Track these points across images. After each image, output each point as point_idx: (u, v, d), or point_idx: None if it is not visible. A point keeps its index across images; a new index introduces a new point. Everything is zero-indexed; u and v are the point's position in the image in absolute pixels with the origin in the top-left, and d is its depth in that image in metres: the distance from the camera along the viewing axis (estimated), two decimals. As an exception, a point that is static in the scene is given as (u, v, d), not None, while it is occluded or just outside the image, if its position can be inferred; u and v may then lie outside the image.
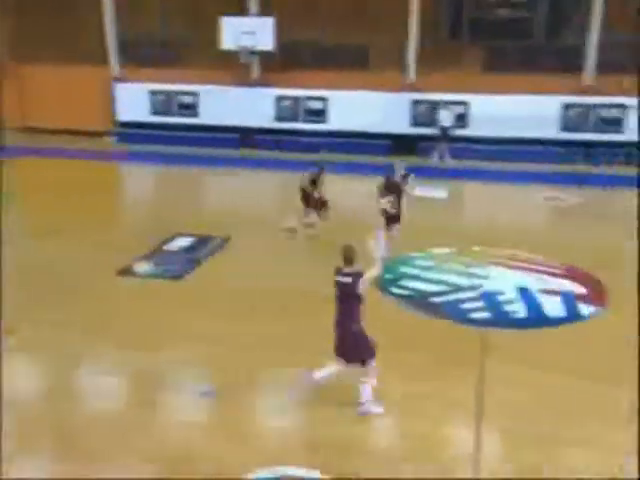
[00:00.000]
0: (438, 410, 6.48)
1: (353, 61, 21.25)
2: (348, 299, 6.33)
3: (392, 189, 10.54)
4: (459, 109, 19.92)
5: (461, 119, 19.88)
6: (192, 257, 10.82)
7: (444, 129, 19.45)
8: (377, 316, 8.58)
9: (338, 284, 6.40)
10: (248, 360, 7.39)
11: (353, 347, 6.38)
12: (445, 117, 19.53)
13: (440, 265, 10.46)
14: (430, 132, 19.93)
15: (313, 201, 12.03)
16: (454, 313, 8.75)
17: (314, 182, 12.02)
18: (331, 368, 6.52)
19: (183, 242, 11.50)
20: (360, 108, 20.21)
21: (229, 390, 6.79)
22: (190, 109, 21.93)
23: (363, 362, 6.39)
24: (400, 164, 10.82)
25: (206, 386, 6.84)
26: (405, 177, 10.72)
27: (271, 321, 8.41)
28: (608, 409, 6.50)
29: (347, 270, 6.33)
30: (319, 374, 6.53)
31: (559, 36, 20.81)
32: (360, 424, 6.39)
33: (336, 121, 20.76)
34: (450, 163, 19.24)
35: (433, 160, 19.46)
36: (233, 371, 7.15)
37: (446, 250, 11.14)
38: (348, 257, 6.33)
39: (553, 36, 20.93)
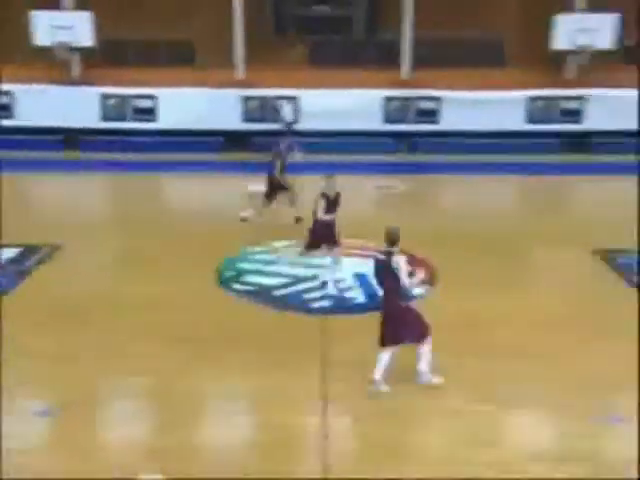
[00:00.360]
0: (286, 400, 6.59)
1: (181, 57, 20.84)
2: (386, 277, 6.61)
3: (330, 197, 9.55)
4: (280, 103, 20.27)
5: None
6: (19, 269, 10.12)
7: (289, 124, 19.72)
8: (218, 313, 8.63)
9: (375, 262, 6.77)
10: (83, 371, 7.09)
11: (402, 324, 6.59)
12: (288, 112, 19.83)
13: (280, 258, 10.63)
14: (263, 127, 20.13)
15: (277, 186, 12.42)
16: (297, 304, 8.95)
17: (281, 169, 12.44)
18: (383, 359, 6.63)
19: (8, 254, 10.69)
20: (190, 105, 19.87)
21: (67, 404, 6.47)
22: (5, 110, 20.30)
23: (419, 340, 6.66)
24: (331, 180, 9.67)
25: (42, 404, 6.45)
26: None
27: (104, 328, 8.12)
28: (454, 380, 6.91)
29: (384, 249, 6.68)
30: (378, 373, 6.62)
31: (378, 32, 21.85)
32: (210, 425, 6.36)
33: (166, 119, 20.26)
34: (297, 157, 19.55)
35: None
36: (69, 384, 6.82)
37: (285, 243, 11.33)
38: (391, 239, 6.64)
39: (373, 32, 21.93)
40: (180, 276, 9.84)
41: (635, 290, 9.44)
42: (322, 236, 9.58)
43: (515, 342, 7.78)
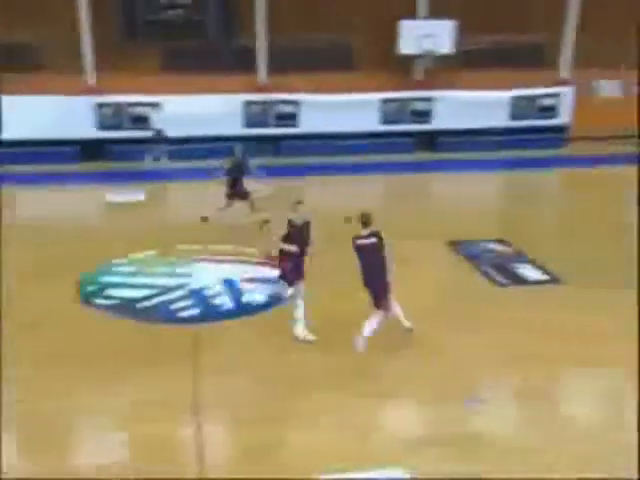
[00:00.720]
0: (159, 412, 6.48)
1: (27, 63, 19.66)
2: (378, 256, 7.30)
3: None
4: (145, 110, 19.87)
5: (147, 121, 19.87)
6: None
7: (158, 131, 19.27)
8: (81, 329, 8.29)
9: (364, 247, 7.33)
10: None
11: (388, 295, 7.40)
12: (157, 120, 19.41)
13: (144, 269, 10.39)
14: (120, 135, 19.60)
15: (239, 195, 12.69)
16: (164, 315, 8.80)
17: (235, 181, 12.60)
18: (375, 321, 7.39)
19: None
20: (38, 114, 18.86)
21: None
22: None
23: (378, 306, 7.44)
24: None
25: None
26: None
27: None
28: (333, 378, 7.05)
29: (366, 232, 7.35)
30: (366, 332, 7.36)
31: (233, 37, 21.87)
32: (82, 443, 6.14)
33: (12, 129, 19.07)
34: (167, 163, 19.19)
35: (147, 162, 19.17)
36: None
37: (148, 253, 11.09)
38: (367, 221, 7.33)
39: (228, 37, 21.92)
40: (36, 291, 9.34)
41: (484, 277, 10.20)
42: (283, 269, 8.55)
43: (386, 335, 8.01)
